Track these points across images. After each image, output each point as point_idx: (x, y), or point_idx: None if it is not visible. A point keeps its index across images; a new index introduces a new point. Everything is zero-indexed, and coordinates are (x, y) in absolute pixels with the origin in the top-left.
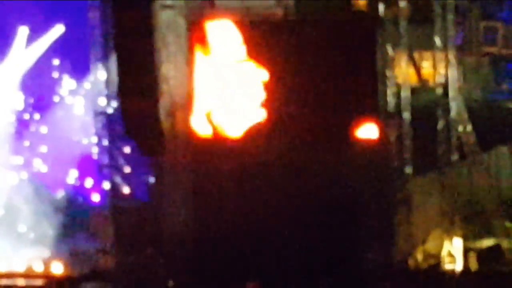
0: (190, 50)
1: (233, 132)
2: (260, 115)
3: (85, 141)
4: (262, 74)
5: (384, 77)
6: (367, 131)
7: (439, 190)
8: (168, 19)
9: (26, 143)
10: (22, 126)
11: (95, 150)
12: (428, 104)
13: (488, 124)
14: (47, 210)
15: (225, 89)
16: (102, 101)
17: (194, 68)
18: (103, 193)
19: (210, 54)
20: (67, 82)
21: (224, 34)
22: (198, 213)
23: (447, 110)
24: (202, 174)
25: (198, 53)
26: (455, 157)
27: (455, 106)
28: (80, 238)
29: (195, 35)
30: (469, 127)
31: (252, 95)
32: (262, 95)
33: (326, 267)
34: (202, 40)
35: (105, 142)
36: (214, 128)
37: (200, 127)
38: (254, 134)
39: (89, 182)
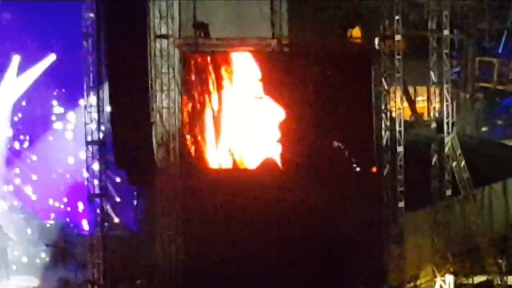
0: (183, 80)
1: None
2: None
3: (75, 170)
4: (278, 113)
5: (378, 110)
6: (361, 164)
7: (432, 225)
8: (162, 49)
9: (17, 171)
10: (13, 154)
11: (85, 179)
12: (422, 139)
13: (481, 160)
14: (37, 239)
15: (243, 122)
16: (93, 130)
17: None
18: (93, 222)
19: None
20: (59, 111)
21: (244, 67)
22: (188, 243)
23: (441, 145)
24: (193, 204)
25: (226, 83)
26: (448, 192)
27: (449, 141)
28: (69, 267)
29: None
30: (463, 163)
31: (266, 130)
32: (276, 130)
33: None
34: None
35: (96, 171)
36: (234, 162)
37: (219, 161)
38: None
39: (79, 211)
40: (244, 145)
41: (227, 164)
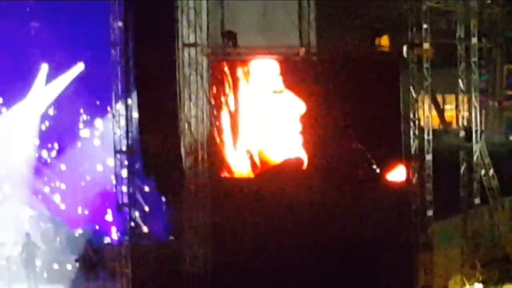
0: (212, 89)
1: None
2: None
3: (104, 178)
4: (299, 106)
5: (407, 119)
6: (390, 172)
7: (461, 234)
8: (190, 58)
9: (46, 180)
10: (42, 163)
11: (114, 188)
12: (450, 147)
13: (510, 168)
14: (65, 248)
15: (265, 123)
16: (121, 139)
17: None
18: (121, 231)
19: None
20: (87, 120)
21: (266, 72)
22: (217, 253)
23: (469, 154)
24: (222, 214)
25: (243, 86)
26: (477, 201)
27: (478, 149)
28: (98, 277)
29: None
30: (491, 171)
31: (289, 128)
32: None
33: None
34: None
35: (125, 180)
36: (254, 164)
37: (239, 164)
38: (274, 174)
39: (107, 220)
40: (265, 142)
41: (246, 166)
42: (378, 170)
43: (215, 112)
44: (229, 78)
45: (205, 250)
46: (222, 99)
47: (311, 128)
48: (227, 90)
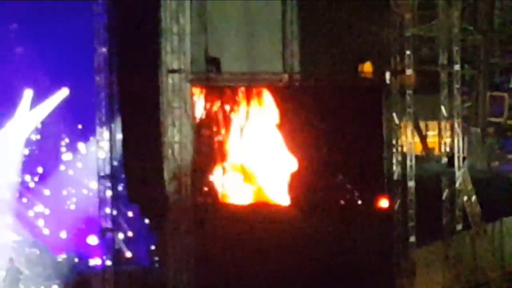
0: (195, 115)
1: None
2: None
3: (87, 202)
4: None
5: (389, 145)
6: (372, 199)
7: (443, 260)
8: (173, 83)
9: (29, 204)
10: (25, 188)
11: (98, 214)
12: (433, 174)
13: (492, 194)
14: (49, 272)
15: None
16: (106, 164)
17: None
18: (105, 256)
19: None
20: (71, 145)
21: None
22: (200, 278)
23: (452, 180)
24: (206, 239)
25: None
26: (459, 227)
27: (460, 176)
28: None
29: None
30: (474, 198)
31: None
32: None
33: None
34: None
35: (108, 205)
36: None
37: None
38: (258, 199)
39: (91, 245)
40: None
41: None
42: (360, 196)
43: (199, 138)
44: (216, 104)
45: (189, 275)
46: (208, 124)
47: (293, 153)
48: (213, 115)
